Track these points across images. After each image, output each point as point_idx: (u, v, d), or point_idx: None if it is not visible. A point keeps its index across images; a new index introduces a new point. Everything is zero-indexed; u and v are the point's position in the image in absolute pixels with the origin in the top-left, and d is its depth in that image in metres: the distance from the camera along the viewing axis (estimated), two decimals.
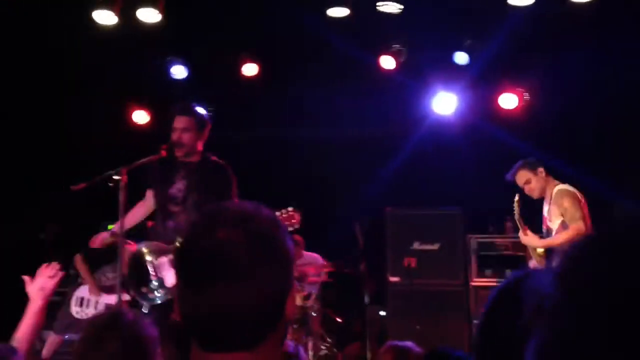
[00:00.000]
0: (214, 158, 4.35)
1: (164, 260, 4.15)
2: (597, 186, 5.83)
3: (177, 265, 1.32)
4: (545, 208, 4.82)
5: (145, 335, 1.93)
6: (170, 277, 4.11)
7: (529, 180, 4.83)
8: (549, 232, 4.75)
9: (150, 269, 4.17)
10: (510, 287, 1.15)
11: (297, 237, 5.77)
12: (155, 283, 4.14)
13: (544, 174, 4.81)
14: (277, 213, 3.86)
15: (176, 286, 1.31)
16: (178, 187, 4.25)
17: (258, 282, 1.23)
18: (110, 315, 2.01)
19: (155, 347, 1.94)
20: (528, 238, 4.76)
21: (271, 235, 1.28)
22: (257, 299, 1.23)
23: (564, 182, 4.81)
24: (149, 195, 4.42)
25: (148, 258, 4.15)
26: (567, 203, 4.63)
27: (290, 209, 3.86)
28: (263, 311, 1.24)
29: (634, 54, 5.60)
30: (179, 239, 1.36)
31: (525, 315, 0.79)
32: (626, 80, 5.79)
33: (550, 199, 4.74)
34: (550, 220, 4.73)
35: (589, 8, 5.40)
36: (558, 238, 4.59)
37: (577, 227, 4.51)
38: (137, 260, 4.11)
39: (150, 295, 4.13)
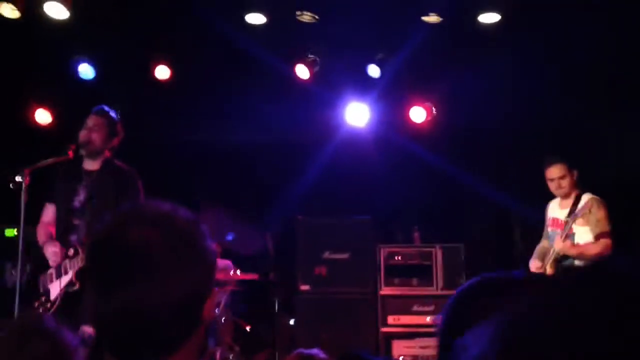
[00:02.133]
0: (119, 164, 4.22)
1: (51, 272, 4.02)
2: (498, 197, 6.10)
3: (88, 267, 1.25)
4: (564, 211, 4.74)
5: (69, 344, 1.83)
6: (53, 290, 3.98)
7: (564, 175, 4.68)
8: (566, 237, 4.65)
9: (40, 283, 4.03)
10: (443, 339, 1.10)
11: None
12: (42, 297, 4.00)
13: (576, 177, 4.71)
14: None
15: (88, 289, 1.25)
16: (79, 199, 4.09)
17: (174, 284, 1.18)
18: (33, 320, 1.88)
19: (78, 355, 1.84)
20: (564, 245, 4.57)
21: (189, 236, 1.23)
22: (174, 302, 1.18)
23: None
24: (48, 209, 4.22)
25: (39, 273, 4.04)
26: (603, 214, 4.59)
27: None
28: (179, 314, 1.19)
29: (534, 70, 5.91)
30: (88, 240, 1.29)
31: None
32: (527, 95, 6.09)
33: (576, 204, 4.67)
34: (574, 224, 4.63)
35: (495, 27, 5.65)
36: (591, 249, 4.48)
37: (607, 242, 4.48)
38: (33, 277, 3.96)
39: (41, 310, 3.99)
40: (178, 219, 1.25)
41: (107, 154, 4.20)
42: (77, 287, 3.93)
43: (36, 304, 3.99)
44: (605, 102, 5.85)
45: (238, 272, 5.59)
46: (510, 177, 6.22)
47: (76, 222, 4.05)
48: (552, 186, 4.76)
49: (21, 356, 1.76)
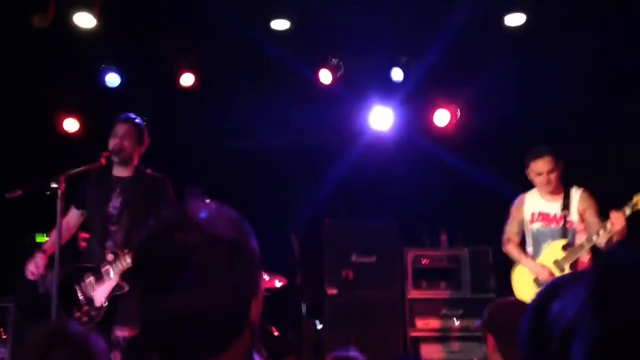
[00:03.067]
0: (150, 171, 4.27)
1: (90, 279, 4.06)
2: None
3: (134, 271, 1.26)
4: (553, 205, 4.62)
5: (94, 349, 1.85)
6: (99, 296, 4.02)
7: (553, 169, 4.54)
8: (565, 232, 4.55)
9: (78, 292, 4.07)
10: (539, 305, 1.08)
11: None
12: (86, 307, 4.04)
13: (561, 170, 4.59)
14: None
15: (136, 295, 1.26)
16: (114, 205, 4.14)
17: (221, 286, 1.18)
18: (57, 327, 1.91)
19: None
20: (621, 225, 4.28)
21: (234, 237, 1.24)
22: (221, 303, 1.18)
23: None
24: (73, 213, 4.28)
25: (73, 281, 4.07)
26: (595, 207, 4.53)
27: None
28: (228, 316, 1.20)
29: (560, 72, 5.87)
30: (135, 244, 1.30)
31: (552, 340, 0.72)
32: (554, 97, 6.05)
33: (568, 197, 4.58)
34: (570, 217, 4.56)
35: (521, 29, 5.62)
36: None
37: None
38: (64, 285, 3.99)
39: (84, 319, 4.02)
40: (222, 218, 1.25)
41: (136, 161, 4.26)
42: (125, 290, 3.98)
43: (77, 315, 4.01)
44: (634, 103, 5.79)
45: (265, 276, 5.61)
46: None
47: (112, 228, 4.11)
48: (540, 180, 4.57)
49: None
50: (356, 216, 6.19)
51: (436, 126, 6.63)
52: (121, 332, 3.92)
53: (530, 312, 1.02)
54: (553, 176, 4.57)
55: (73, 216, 4.28)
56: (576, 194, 4.65)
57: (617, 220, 4.27)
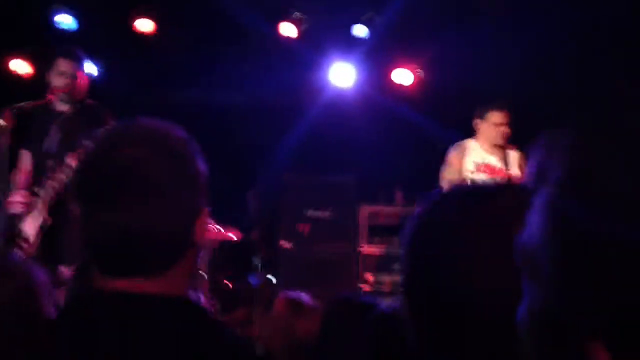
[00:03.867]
0: (90, 102, 4.15)
1: (21, 212, 3.96)
2: None
3: (78, 184, 1.22)
4: (493, 158, 4.66)
5: (37, 281, 1.79)
6: (28, 229, 3.92)
7: (508, 122, 4.61)
8: None
9: (13, 226, 3.97)
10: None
11: None
12: (18, 239, 3.95)
13: None
14: None
15: (78, 209, 1.22)
16: (52, 139, 4.01)
17: (168, 202, 1.16)
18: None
19: (47, 293, 1.82)
20: None
21: (182, 154, 1.21)
22: (166, 221, 1.16)
23: None
24: (25, 156, 4.14)
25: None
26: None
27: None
28: (172, 234, 1.17)
29: (521, 33, 5.88)
30: (80, 157, 1.25)
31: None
32: (514, 59, 6.07)
33: (505, 154, 4.63)
34: (513, 172, 4.61)
35: None
36: None
37: None
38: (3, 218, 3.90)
39: (23, 253, 3.93)
40: (170, 137, 1.22)
41: (81, 97, 4.13)
42: (49, 222, 3.85)
43: (15, 248, 3.93)
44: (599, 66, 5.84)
45: (219, 227, 5.58)
46: None
47: (50, 163, 3.97)
48: (496, 131, 4.59)
49: None
50: (315, 172, 6.19)
51: (398, 84, 6.62)
52: (67, 270, 3.83)
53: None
54: (507, 129, 4.62)
55: (25, 159, 4.14)
56: (514, 153, 4.73)
57: None
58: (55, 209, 3.86)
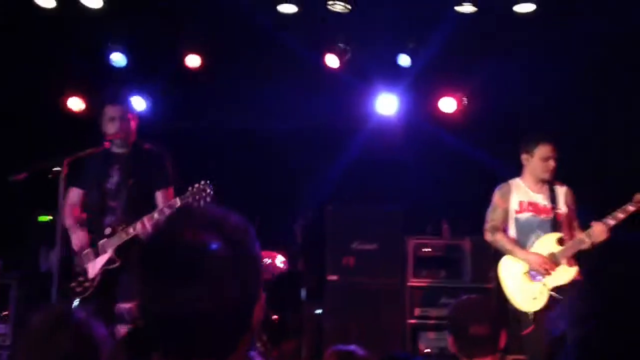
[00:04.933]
0: (148, 146, 4.29)
1: (87, 251, 4.12)
2: None
3: (144, 264, 1.26)
4: (539, 196, 4.55)
5: (97, 334, 1.86)
6: (93, 268, 4.06)
7: (557, 156, 4.50)
8: (555, 224, 4.48)
9: (75, 263, 4.13)
10: None
11: None
12: (81, 277, 4.10)
13: None
14: (190, 188, 3.91)
15: (141, 288, 1.26)
16: (113, 181, 4.18)
17: (230, 289, 1.19)
18: (61, 312, 1.92)
19: (106, 347, 1.88)
20: (604, 232, 4.30)
21: (242, 241, 1.25)
22: (225, 305, 1.19)
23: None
24: (74, 193, 4.29)
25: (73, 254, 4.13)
26: (576, 205, 4.56)
27: (202, 182, 3.91)
28: (233, 319, 1.20)
29: (568, 61, 5.82)
30: (144, 238, 1.31)
31: None
32: (560, 87, 6.01)
33: (553, 191, 4.54)
34: (560, 210, 4.52)
35: (530, 17, 5.58)
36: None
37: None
38: (65, 258, 4.05)
39: (78, 290, 4.07)
40: (230, 223, 1.26)
41: (134, 137, 4.28)
42: (117, 264, 4.03)
43: (73, 284, 4.07)
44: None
45: (267, 259, 5.63)
46: None
47: (111, 204, 4.15)
48: (546, 166, 4.47)
49: (48, 349, 1.79)
50: (360, 203, 6.19)
51: (442, 112, 6.59)
52: (125, 305, 3.96)
53: None
54: (555, 165, 4.51)
55: (74, 195, 4.31)
56: (561, 188, 4.60)
57: (599, 233, 4.30)
58: (122, 251, 4.03)
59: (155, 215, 3.91)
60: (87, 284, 4.09)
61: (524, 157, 4.63)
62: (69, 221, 4.23)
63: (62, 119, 6.68)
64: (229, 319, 1.19)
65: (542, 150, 4.52)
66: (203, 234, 1.20)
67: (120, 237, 4.03)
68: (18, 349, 1.91)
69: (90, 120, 6.45)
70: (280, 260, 5.99)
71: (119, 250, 4.06)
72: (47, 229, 5.54)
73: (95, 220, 4.19)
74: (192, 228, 1.21)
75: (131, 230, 3.98)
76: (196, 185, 3.90)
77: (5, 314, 5.70)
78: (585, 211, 4.62)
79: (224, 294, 1.18)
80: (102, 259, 4.08)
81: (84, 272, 4.13)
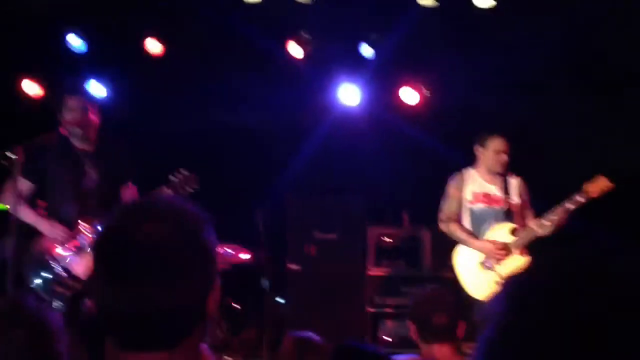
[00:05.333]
0: (111, 138, 4.23)
1: (68, 252, 4.00)
2: None
3: (98, 258, 1.26)
4: (493, 187, 4.63)
5: (51, 324, 1.83)
6: (77, 267, 3.95)
7: (508, 149, 4.62)
8: (508, 214, 4.57)
9: (52, 264, 3.99)
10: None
11: None
12: (65, 278, 3.96)
13: None
14: (172, 177, 3.85)
15: (95, 280, 1.26)
16: (90, 179, 4.08)
17: (185, 279, 1.20)
18: (13, 304, 1.89)
19: (61, 338, 1.85)
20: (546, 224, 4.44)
21: (197, 232, 1.25)
22: (183, 297, 1.20)
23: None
24: (25, 185, 4.08)
25: (45, 255, 3.99)
26: (529, 196, 4.67)
27: (184, 171, 3.87)
28: (188, 309, 1.22)
29: (526, 55, 5.92)
30: (99, 233, 1.30)
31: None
32: (519, 80, 6.11)
33: (505, 182, 4.63)
34: (512, 201, 4.61)
35: (490, 12, 5.65)
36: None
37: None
38: (35, 259, 3.92)
39: (66, 291, 3.93)
40: (186, 214, 1.26)
41: (96, 130, 4.20)
42: None
43: (58, 288, 3.93)
44: (600, 88, 5.88)
45: (230, 250, 5.61)
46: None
47: (93, 202, 4.04)
48: (497, 159, 4.58)
49: (2, 341, 1.77)
50: (322, 192, 6.21)
51: (404, 104, 6.65)
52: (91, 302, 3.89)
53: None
54: (507, 158, 4.62)
55: (27, 188, 4.12)
56: (514, 180, 4.70)
57: (563, 215, 4.40)
58: None
59: None
60: (72, 282, 3.94)
61: (477, 149, 4.72)
62: (31, 216, 4.05)
63: (15, 103, 6.50)
64: (182, 310, 1.20)
65: (495, 144, 4.63)
66: (158, 226, 1.20)
67: None
68: None
69: (44, 106, 6.35)
70: (244, 255, 5.95)
71: None
72: (2, 217, 5.42)
73: (66, 218, 4.07)
74: (147, 220, 1.21)
75: None
76: (178, 174, 3.85)
77: None
78: (538, 202, 4.74)
79: (179, 286, 1.19)
80: (88, 259, 3.96)
81: (66, 270, 3.98)
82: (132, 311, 1.17)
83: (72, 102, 4.07)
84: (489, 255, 4.55)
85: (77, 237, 4.01)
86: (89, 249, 3.95)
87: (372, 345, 3.69)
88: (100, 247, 1.25)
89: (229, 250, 5.62)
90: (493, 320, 0.79)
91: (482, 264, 4.59)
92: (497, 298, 0.82)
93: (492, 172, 4.68)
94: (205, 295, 1.24)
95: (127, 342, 1.21)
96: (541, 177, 5.10)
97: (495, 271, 4.52)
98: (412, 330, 2.70)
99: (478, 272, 4.57)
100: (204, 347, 2.03)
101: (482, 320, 0.82)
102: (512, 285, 0.81)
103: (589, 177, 4.42)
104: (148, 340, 1.20)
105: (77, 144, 4.14)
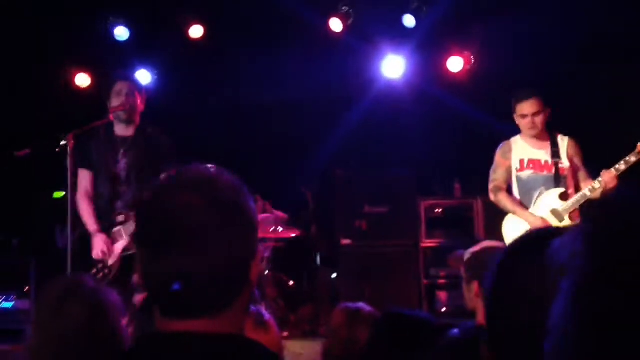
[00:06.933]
0: (150, 129, 4.28)
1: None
2: None
3: (137, 230, 1.28)
4: (541, 152, 4.50)
5: (109, 302, 1.89)
6: (111, 255, 4.07)
7: (539, 112, 4.39)
8: (558, 180, 4.43)
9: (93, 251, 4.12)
10: (529, 245, 1.10)
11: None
12: (100, 264, 4.09)
13: (548, 116, 4.45)
14: None
15: (137, 251, 1.28)
16: (121, 166, 4.16)
17: (222, 247, 1.21)
18: (71, 282, 1.95)
19: (119, 314, 1.91)
20: (613, 178, 4.27)
21: (234, 200, 1.26)
22: (221, 265, 1.21)
23: None
24: (86, 175, 4.20)
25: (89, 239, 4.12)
26: (582, 155, 4.51)
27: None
28: (228, 277, 1.23)
29: (571, 19, 5.73)
30: (136, 205, 1.32)
31: (550, 274, 0.76)
32: (565, 44, 5.92)
33: (555, 144, 4.48)
34: (562, 165, 4.47)
35: None
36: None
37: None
38: (83, 242, 4.05)
39: (99, 276, 4.07)
40: (221, 182, 1.27)
41: (138, 119, 4.27)
42: (133, 250, 4.04)
43: (94, 271, 4.08)
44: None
45: (280, 227, 5.65)
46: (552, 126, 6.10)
47: (121, 189, 4.12)
48: (525, 123, 4.41)
49: (60, 317, 1.83)
50: (369, 166, 6.18)
51: (450, 73, 6.53)
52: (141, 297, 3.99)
53: (518, 248, 1.07)
54: (538, 120, 4.41)
55: (87, 178, 4.26)
56: (563, 141, 4.53)
57: (610, 179, 4.26)
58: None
59: None
60: (106, 271, 4.09)
61: (514, 116, 4.60)
62: (87, 218, 4.14)
63: (66, 94, 6.67)
64: (222, 278, 1.21)
65: (519, 109, 4.48)
66: (192, 195, 1.21)
67: (132, 223, 4.02)
68: (33, 322, 1.95)
69: (94, 96, 6.50)
70: (292, 234, 5.95)
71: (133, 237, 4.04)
72: (61, 205, 5.59)
73: (104, 205, 4.19)
74: (182, 189, 1.23)
75: None
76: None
77: (26, 290, 5.80)
78: (592, 162, 4.58)
79: (216, 255, 1.19)
80: (119, 246, 4.09)
81: (103, 259, 4.12)
82: (172, 279, 1.19)
83: (118, 87, 4.15)
84: (536, 226, 4.46)
85: (107, 225, 4.10)
86: (121, 237, 4.06)
87: (423, 312, 3.67)
88: (139, 218, 1.27)
89: (279, 228, 5.66)
90: (572, 268, 0.71)
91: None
92: (571, 244, 0.74)
93: (537, 137, 4.55)
94: (245, 264, 1.24)
95: (170, 310, 1.23)
96: (595, 140, 4.93)
97: None
98: (476, 289, 2.46)
99: None
100: (269, 317, 2.06)
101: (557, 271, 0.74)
102: (593, 228, 0.74)
103: None
104: (189, 308, 1.21)
105: (120, 130, 4.21)
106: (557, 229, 1.09)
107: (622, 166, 4.29)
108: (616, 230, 0.70)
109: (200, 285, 1.20)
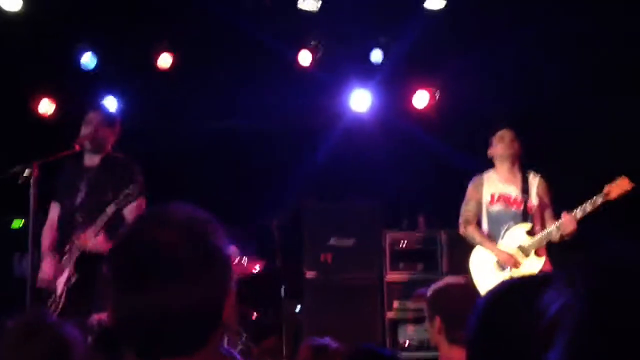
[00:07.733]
0: (118, 155, 4.24)
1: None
2: None
3: (112, 266, 1.27)
4: (511, 188, 4.58)
5: (70, 339, 1.85)
6: (58, 285, 4.01)
7: (515, 139, 4.59)
8: (525, 216, 4.51)
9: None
10: (513, 294, 1.11)
11: None
12: (53, 296, 4.02)
13: (519, 149, 4.62)
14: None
15: (111, 289, 1.26)
16: (81, 195, 4.11)
17: (198, 285, 1.21)
18: (32, 319, 1.91)
19: (81, 351, 1.87)
20: (573, 223, 4.31)
21: (208, 238, 1.26)
22: (198, 302, 1.21)
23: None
24: (55, 209, 4.21)
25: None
26: (551, 195, 4.59)
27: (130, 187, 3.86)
28: (204, 314, 1.22)
29: (539, 54, 5.90)
30: (115, 242, 1.31)
31: (538, 327, 0.75)
32: (534, 81, 6.08)
33: (526, 182, 4.58)
34: (530, 202, 4.54)
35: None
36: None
37: None
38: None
39: (53, 308, 4.01)
40: (197, 220, 1.27)
41: (109, 148, 4.23)
42: (74, 278, 3.96)
43: (49, 303, 4.01)
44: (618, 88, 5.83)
45: (245, 259, 5.61)
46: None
47: (79, 219, 4.07)
48: (503, 147, 4.57)
49: (23, 351, 1.80)
50: (336, 199, 6.20)
51: (415, 108, 6.63)
52: (99, 316, 3.90)
53: (504, 292, 1.07)
54: (516, 144, 4.58)
55: (54, 210, 4.23)
56: (534, 179, 4.64)
57: (567, 222, 4.33)
58: (81, 265, 3.95)
59: (98, 223, 3.85)
60: (56, 302, 4.03)
61: (490, 151, 4.70)
62: (45, 246, 4.13)
63: (33, 122, 6.56)
64: (198, 316, 1.20)
65: (500, 135, 4.63)
66: (171, 233, 1.21)
67: (74, 252, 3.97)
68: None
69: (59, 124, 6.40)
70: (257, 267, 5.92)
71: (77, 265, 3.97)
72: (20, 234, 5.46)
73: (60, 234, 4.13)
74: (161, 227, 1.22)
75: (75, 242, 3.92)
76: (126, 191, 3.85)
77: None
78: (560, 201, 4.68)
79: (193, 293, 1.19)
80: (64, 277, 4.03)
81: (54, 290, 4.05)
82: (147, 318, 1.18)
83: (90, 117, 4.13)
84: (504, 261, 4.52)
85: (63, 261, 4.04)
86: (65, 268, 4.00)
87: (389, 349, 3.67)
88: (112, 256, 1.26)
89: (244, 260, 5.61)
90: (568, 324, 0.71)
91: (498, 262, 4.56)
92: (562, 297, 0.73)
93: (509, 172, 4.63)
94: (220, 301, 1.24)
95: (144, 351, 1.22)
96: (561, 178, 5.04)
97: (510, 273, 4.48)
98: (437, 325, 2.45)
99: (494, 272, 4.53)
100: (234, 353, 2.04)
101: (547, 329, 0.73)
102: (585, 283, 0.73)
103: (610, 179, 4.35)
104: (164, 348, 1.20)
105: (88, 159, 4.17)
106: (542, 278, 1.10)
107: (588, 207, 4.33)
108: (614, 289, 0.71)
109: (177, 322, 1.19)
